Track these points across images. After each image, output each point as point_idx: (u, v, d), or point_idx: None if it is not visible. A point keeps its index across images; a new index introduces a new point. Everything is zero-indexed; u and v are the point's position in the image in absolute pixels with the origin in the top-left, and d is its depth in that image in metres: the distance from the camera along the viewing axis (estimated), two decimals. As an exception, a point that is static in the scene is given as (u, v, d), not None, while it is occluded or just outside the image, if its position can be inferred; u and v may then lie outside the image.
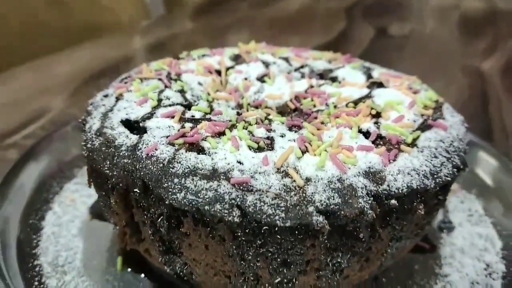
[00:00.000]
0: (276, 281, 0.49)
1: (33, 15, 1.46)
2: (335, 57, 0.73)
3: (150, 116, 0.53)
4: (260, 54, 0.72)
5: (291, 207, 0.43)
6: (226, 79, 0.66)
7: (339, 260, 0.47)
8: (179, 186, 0.45)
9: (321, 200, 0.44)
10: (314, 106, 0.59)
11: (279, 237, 0.44)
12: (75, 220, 0.66)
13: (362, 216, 0.44)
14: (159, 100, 0.56)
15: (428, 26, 1.67)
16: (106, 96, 0.60)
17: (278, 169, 0.46)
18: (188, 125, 0.52)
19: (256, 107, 0.60)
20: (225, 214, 0.43)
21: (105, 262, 0.60)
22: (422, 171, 0.48)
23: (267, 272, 0.47)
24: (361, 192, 0.45)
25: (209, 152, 0.47)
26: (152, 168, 0.47)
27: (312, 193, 0.44)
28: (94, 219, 0.67)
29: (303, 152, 0.48)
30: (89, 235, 0.64)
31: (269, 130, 0.51)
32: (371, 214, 0.44)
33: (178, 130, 0.50)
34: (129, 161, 0.48)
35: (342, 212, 0.44)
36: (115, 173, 0.49)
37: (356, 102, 0.58)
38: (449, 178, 0.50)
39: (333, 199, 0.44)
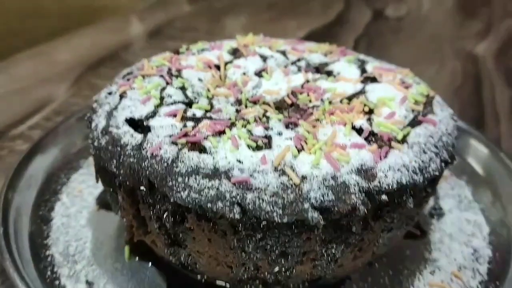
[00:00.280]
0: (275, 270, 0.52)
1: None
2: (330, 49, 0.75)
3: (153, 115, 0.56)
4: (257, 47, 0.74)
5: (288, 204, 0.46)
6: (225, 74, 0.68)
7: (333, 251, 0.51)
8: (183, 185, 0.48)
9: (316, 197, 0.47)
10: (310, 101, 0.62)
11: (277, 231, 0.48)
12: (83, 210, 0.69)
13: (354, 211, 0.47)
14: (161, 98, 0.59)
15: (424, 7, 1.68)
16: (110, 93, 0.62)
17: (275, 167, 0.48)
18: (190, 124, 0.54)
19: (254, 102, 0.63)
20: (227, 211, 0.46)
21: (113, 251, 0.63)
22: (412, 167, 0.51)
23: (266, 263, 0.51)
24: (354, 188, 0.48)
25: (210, 151, 0.50)
26: (156, 167, 0.49)
27: (308, 190, 0.47)
28: (101, 209, 0.70)
29: (299, 151, 0.50)
30: (97, 225, 0.67)
31: (266, 128, 0.54)
32: (363, 209, 0.47)
33: (181, 129, 0.53)
34: (135, 160, 0.51)
35: (336, 208, 0.47)
36: (121, 171, 0.51)
37: (350, 98, 0.60)
38: (437, 173, 0.53)
39: (327, 196, 0.47)
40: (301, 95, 0.63)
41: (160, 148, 0.51)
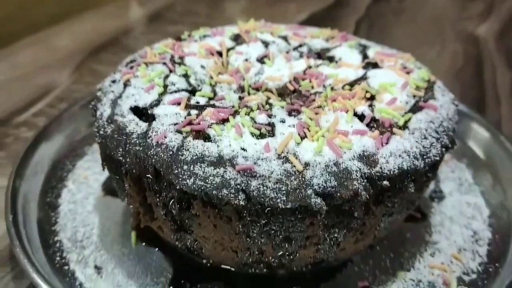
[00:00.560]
0: (279, 254, 0.53)
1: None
2: (332, 34, 0.76)
3: (157, 103, 0.57)
4: (259, 33, 0.74)
5: (291, 190, 0.47)
6: (227, 61, 0.69)
7: (336, 235, 0.52)
8: (189, 173, 0.49)
9: (319, 184, 0.48)
10: (312, 87, 0.62)
11: (281, 217, 0.49)
12: (89, 197, 0.71)
13: (356, 197, 0.48)
14: (165, 86, 0.60)
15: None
16: (114, 81, 0.63)
17: (279, 155, 0.49)
18: (193, 112, 0.55)
19: (257, 89, 0.64)
20: (232, 198, 0.47)
21: (120, 237, 0.65)
22: (413, 152, 0.52)
23: (270, 247, 0.52)
24: (356, 174, 0.49)
25: (214, 139, 0.51)
26: (162, 155, 0.50)
27: (311, 177, 0.48)
28: (107, 195, 0.71)
29: (302, 138, 0.51)
30: (103, 211, 0.68)
31: (269, 116, 0.55)
32: (365, 195, 0.48)
33: (185, 118, 0.54)
34: (141, 149, 0.52)
35: (338, 194, 0.48)
36: (128, 160, 0.52)
37: (352, 84, 0.61)
38: (437, 158, 0.54)
39: (330, 182, 0.48)
40: (303, 81, 0.63)
41: (165, 137, 0.52)
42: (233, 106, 0.57)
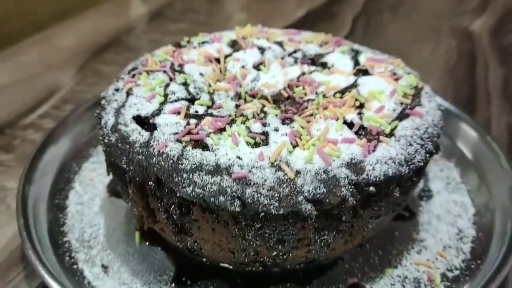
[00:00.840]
0: (273, 254, 0.57)
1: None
2: (326, 39, 0.79)
3: (158, 112, 0.60)
4: (255, 39, 0.77)
5: (283, 197, 0.51)
6: (225, 67, 0.72)
7: (325, 237, 0.56)
8: (188, 181, 0.52)
9: (309, 190, 0.51)
10: (305, 94, 0.66)
11: (274, 222, 0.52)
12: (95, 198, 0.75)
13: (344, 202, 0.52)
14: (166, 95, 0.63)
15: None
16: (117, 90, 0.66)
17: (272, 163, 0.53)
18: (192, 121, 0.58)
19: (253, 96, 0.67)
20: (228, 205, 0.51)
21: (125, 236, 0.69)
22: (398, 159, 0.56)
23: (265, 249, 0.56)
24: (344, 181, 0.52)
25: (212, 148, 0.54)
26: (163, 164, 0.54)
27: (302, 184, 0.52)
28: (112, 196, 0.75)
29: (294, 147, 0.55)
30: (109, 212, 0.72)
31: (264, 125, 0.58)
32: (352, 200, 0.52)
33: (184, 127, 0.57)
34: (143, 158, 0.55)
35: (327, 200, 0.51)
36: (131, 167, 0.56)
37: (343, 92, 0.64)
38: (422, 164, 0.57)
39: (320, 189, 0.52)
40: (297, 88, 0.67)
41: (166, 146, 0.55)
42: (229, 115, 0.61)
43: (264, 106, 0.64)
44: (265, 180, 0.52)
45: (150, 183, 0.55)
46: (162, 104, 0.62)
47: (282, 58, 0.74)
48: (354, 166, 0.54)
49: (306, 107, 0.62)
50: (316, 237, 0.56)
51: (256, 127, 0.58)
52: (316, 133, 0.57)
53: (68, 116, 0.84)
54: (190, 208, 0.54)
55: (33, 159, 0.75)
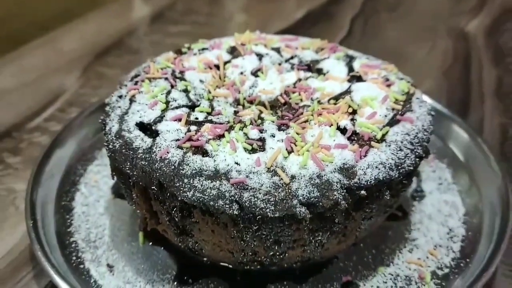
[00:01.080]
0: (270, 254, 0.60)
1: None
2: (322, 45, 0.81)
3: (160, 119, 0.63)
4: (254, 46, 0.80)
5: (279, 201, 0.54)
6: (224, 73, 0.75)
7: (320, 238, 0.59)
8: (189, 186, 0.55)
9: (303, 194, 0.54)
10: (301, 100, 0.69)
11: (270, 224, 0.55)
12: (100, 199, 0.78)
13: (336, 205, 0.55)
14: (167, 102, 0.66)
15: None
16: (120, 97, 0.69)
17: (268, 168, 0.56)
18: (193, 128, 0.61)
19: (251, 102, 0.70)
20: (227, 208, 0.54)
21: (129, 236, 0.72)
22: (388, 164, 0.58)
23: (262, 249, 0.59)
24: (336, 186, 0.55)
25: (211, 154, 0.57)
26: (165, 169, 0.57)
27: (296, 188, 0.55)
28: (116, 198, 0.78)
29: (289, 152, 0.58)
30: (113, 213, 0.75)
31: (261, 131, 0.61)
32: (344, 203, 0.55)
33: (185, 134, 0.60)
34: (146, 163, 0.58)
35: (321, 203, 0.54)
36: (135, 173, 0.59)
37: (337, 98, 0.67)
38: (411, 168, 0.60)
39: (313, 193, 0.54)
40: (293, 94, 0.70)
41: (168, 152, 0.58)
42: (228, 121, 0.63)
43: (261, 112, 0.67)
44: (262, 185, 0.55)
45: (153, 187, 0.58)
46: (164, 111, 0.64)
47: (279, 64, 0.77)
48: (346, 171, 0.57)
49: (302, 113, 0.65)
50: (311, 238, 0.59)
51: (254, 133, 0.61)
52: (311, 139, 0.60)
53: (73, 120, 0.87)
54: (191, 211, 0.57)
55: (40, 163, 0.77)
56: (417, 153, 0.61)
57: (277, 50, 0.80)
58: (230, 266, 0.67)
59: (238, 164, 0.56)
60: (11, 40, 1.30)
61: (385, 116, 0.64)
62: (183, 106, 0.66)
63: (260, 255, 0.61)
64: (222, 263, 0.67)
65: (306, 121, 0.63)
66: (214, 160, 0.57)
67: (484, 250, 0.67)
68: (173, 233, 0.62)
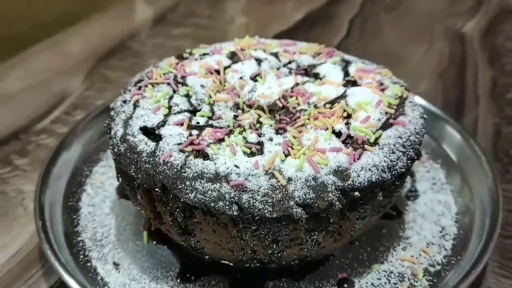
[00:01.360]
0: (268, 252, 0.63)
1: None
2: (319, 50, 0.84)
3: (163, 124, 0.66)
4: (253, 51, 0.83)
5: (276, 202, 0.57)
6: (224, 78, 0.77)
7: (316, 237, 0.62)
8: (190, 188, 0.58)
9: (299, 196, 0.57)
10: (298, 104, 0.71)
11: (268, 224, 0.58)
12: (106, 200, 0.81)
13: (331, 206, 0.58)
14: (170, 107, 0.69)
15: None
16: (124, 102, 0.72)
17: (266, 171, 0.59)
18: (194, 132, 0.64)
19: (250, 106, 0.73)
20: (227, 209, 0.57)
21: (133, 236, 0.75)
22: (381, 166, 0.61)
23: (261, 248, 0.62)
24: (331, 187, 0.58)
25: (212, 158, 0.60)
26: (168, 172, 0.60)
27: (293, 190, 0.57)
28: (121, 198, 0.81)
29: (286, 156, 0.60)
30: (118, 213, 0.78)
31: (259, 135, 0.64)
32: (338, 204, 0.58)
33: (187, 138, 0.63)
34: (150, 166, 0.61)
35: (316, 205, 0.57)
36: (139, 175, 0.62)
37: (332, 102, 0.70)
38: (403, 170, 0.63)
39: (309, 195, 0.57)
40: (291, 98, 0.72)
41: (170, 156, 0.61)
42: (228, 126, 0.66)
43: (260, 116, 0.70)
44: (260, 187, 0.57)
45: (157, 189, 0.61)
46: (167, 115, 0.67)
47: (278, 69, 0.80)
48: (341, 173, 0.59)
49: (299, 117, 0.68)
50: (307, 237, 0.61)
51: (252, 137, 0.63)
52: (307, 143, 0.62)
53: (78, 123, 0.90)
54: (192, 212, 0.60)
55: (48, 164, 0.80)
56: (409, 156, 0.64)
57: (276, 55, 0.83)
58: (231, 264, 0.70)
59: (237, 167, 0.59)
60: (17, 43, 1.33)
61: (379, 120, 0.66)
62: (185, 111, 0.69)
63: (259, 254, 0.63)
64: (222, 261, 0.70)
65: (302, 125, 0.66)
66: (215, 163, 0.59)
67: (474, 248, 0.70)
68: (176, 232, 0.65)
